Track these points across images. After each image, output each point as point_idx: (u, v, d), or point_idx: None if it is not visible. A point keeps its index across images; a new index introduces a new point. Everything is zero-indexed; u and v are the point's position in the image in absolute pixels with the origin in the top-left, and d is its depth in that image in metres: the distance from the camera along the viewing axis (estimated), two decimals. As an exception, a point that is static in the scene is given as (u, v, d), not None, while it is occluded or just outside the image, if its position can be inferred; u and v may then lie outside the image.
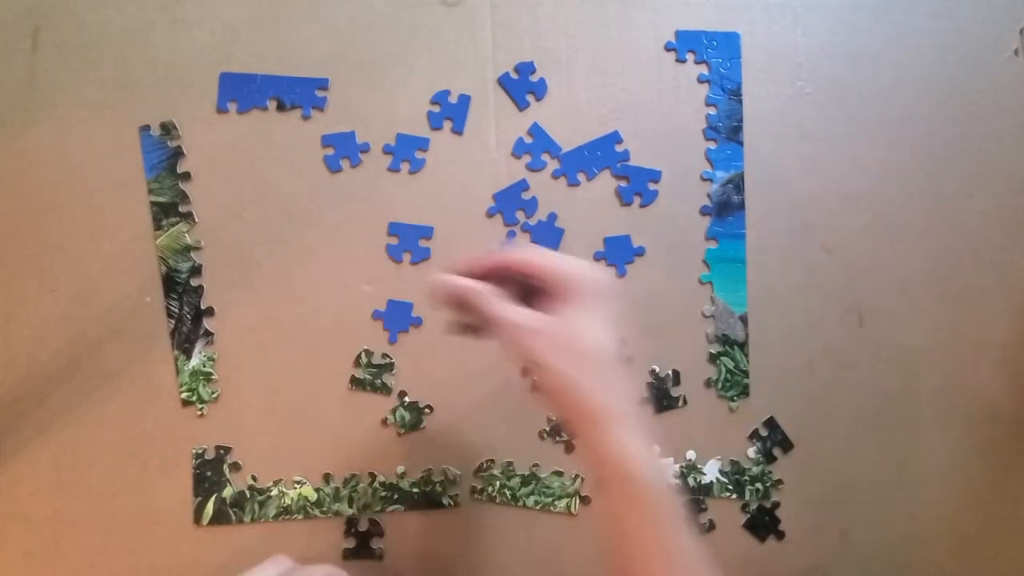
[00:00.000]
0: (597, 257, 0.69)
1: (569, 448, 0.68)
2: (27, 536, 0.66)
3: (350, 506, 0.67)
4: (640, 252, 0.69)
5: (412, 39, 0.71)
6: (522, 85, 0.70)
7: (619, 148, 0.70)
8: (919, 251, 0.70)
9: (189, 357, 0.67)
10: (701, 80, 0.70)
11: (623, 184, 0.70)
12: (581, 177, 0.70)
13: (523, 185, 0.70)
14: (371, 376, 0.68)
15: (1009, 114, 0.71)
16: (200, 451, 0.67)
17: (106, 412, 0.67)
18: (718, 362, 0.68)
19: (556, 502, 0.67)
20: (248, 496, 0.67)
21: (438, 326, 0.68)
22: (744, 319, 0.68)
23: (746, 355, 0.68)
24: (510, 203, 0.69)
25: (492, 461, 0.68)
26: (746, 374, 0.68)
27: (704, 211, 0.69)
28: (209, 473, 0.67)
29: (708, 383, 0.68)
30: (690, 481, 0.67)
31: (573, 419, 0.48)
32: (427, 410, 0.68)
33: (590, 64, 0.71)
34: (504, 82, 0.70)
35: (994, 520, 0.68)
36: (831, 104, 0.71)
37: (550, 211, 0.69)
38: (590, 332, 0.48)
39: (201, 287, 0.68)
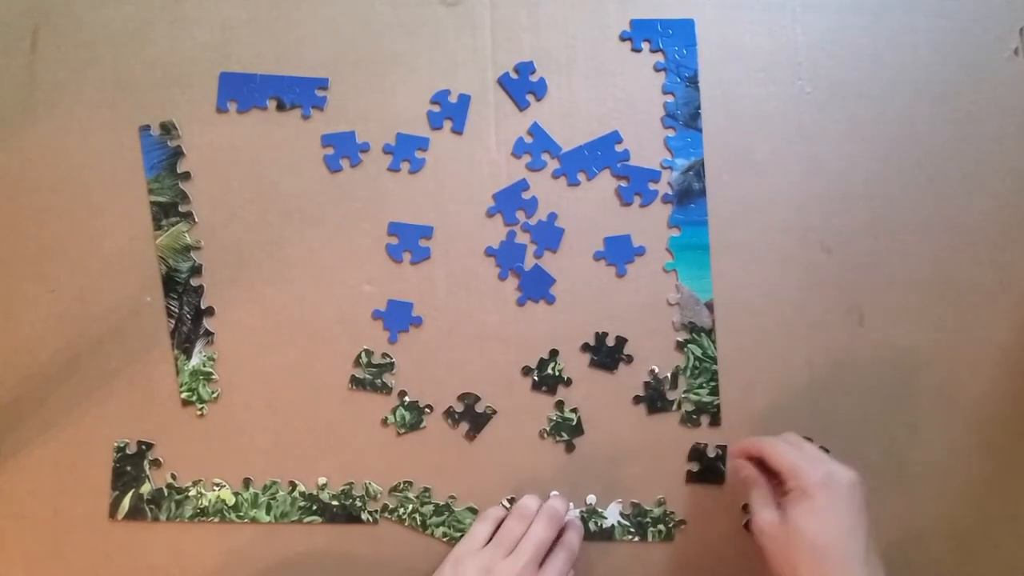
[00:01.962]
0: (597, 257, 0.69)
1: (569, 448, 0.68)
2: (27, 536, 0.66)
3: (267, 513, 0.66)
4: (640, 252, 0.69)
5: (412, 39, 0.71)
6: (522, 85, 0.70)
7: (619, 148, 0.70)
8: (919, 251, 0.70)
9: (189, 357, 0.67)
10: (657, 68, 0.71)
11: (623, 184, 0.70)
12: (581, 177, 0.70)
13: (523, 185, 0.70)
14: (371, 376, 0.68)
15: (1009, 114, 0.71)
16: (122, 445, 0.66)
17: (106, 412, 0.67)
18: (686, 350, 0.68)
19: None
20: (166, 494, 0.66)
21: (438, 326, 0.69)
22: (710, 305, 0.69)
23: (713, 342, 0.68)
24: (510, 203, 0.69)
25: (410, 483, 0.67)
26: (714, 360, 0.68)
27: (665, 199, 0.70)
28: (128, 468, 0.66)
29: (677, 371, 0.68)
30: (591, 526, 0.66)
31: None
32: (427, 410, 0.68)
33: (590, 64, 0.71)
34: (504, 82, 0.70)
35: (994, 520, 0.68)
36: (831, 104, 0.71)
37: (550, 211, 0.69)
38: (811, 533, 0.53)
39: (201, 287, 0.68)
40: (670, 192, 0.69)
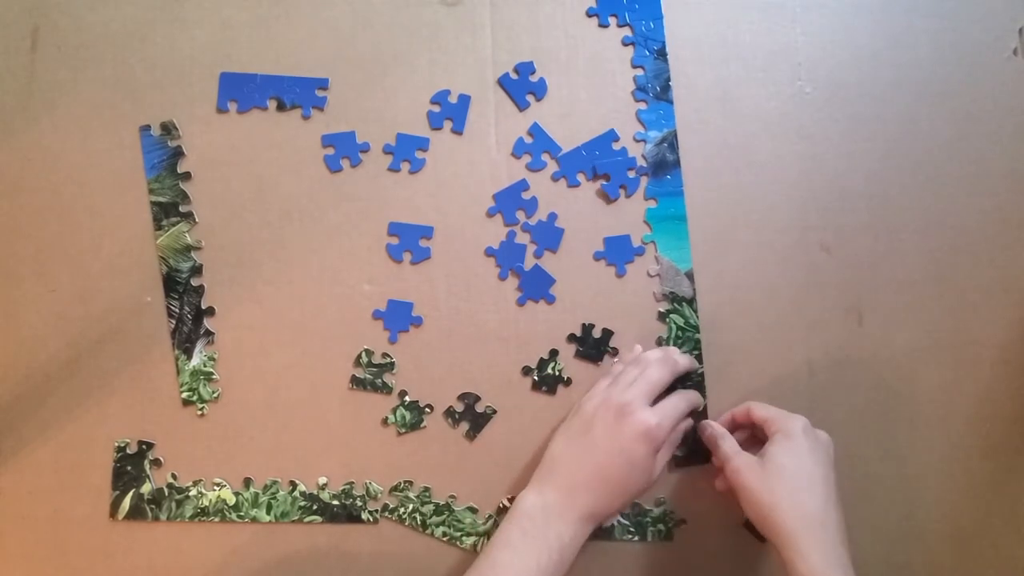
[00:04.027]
0: (597, 257, 0.69)
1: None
2: (27, 536, 0.66)
3: (268, 513, 0.66)
4: (640, 252, 0.69)
5: (412, 39, 0.71)
6: (522, 85, 0.70)
7: (616, 146, 0.70)
8: (919, 250, 0.70)
9: (190, 357, 0.67)
10: (626, 43, 0.71)
11: (604, 182, 0.69)
12: (581, 178, 0.70)
13: (523, 185, 0.70)
14: (371, 376, 0.68)
15: (1009, 114, 0.71)
16: (122, 444, 0.67)
17: (106, 412, 0.67)
18: (668, 320, 0.68)
19: (464, 538, 0.66)
20: (167, 494, 0.66)
21: (438, 326, 0.69)
22: (690, 275, 0.69)
23: (695, 311, 0.68)
24: (510, 203, 0.69)
25: (410, 483, 0.67)
26: (697, 329, 0.68)
27: (640, 172, 0.70)
28: (129, 468, 0.66)
29: (659, 341, 0.68)
30: None
31: (770, 537, 0.57)
32: (427, 409, 0.68)
33: (590, 64, 0.71)
34: (504, 82, 0.70)
35: (994, 519, 0.68)
36: (831, 104, 0.71)
37: (550, 211, 0.69)
38: (793, 467, 0.58)
39: (202, 287, 0.68)
40: (644, 164, 0.70)
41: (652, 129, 0.70)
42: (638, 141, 0.70)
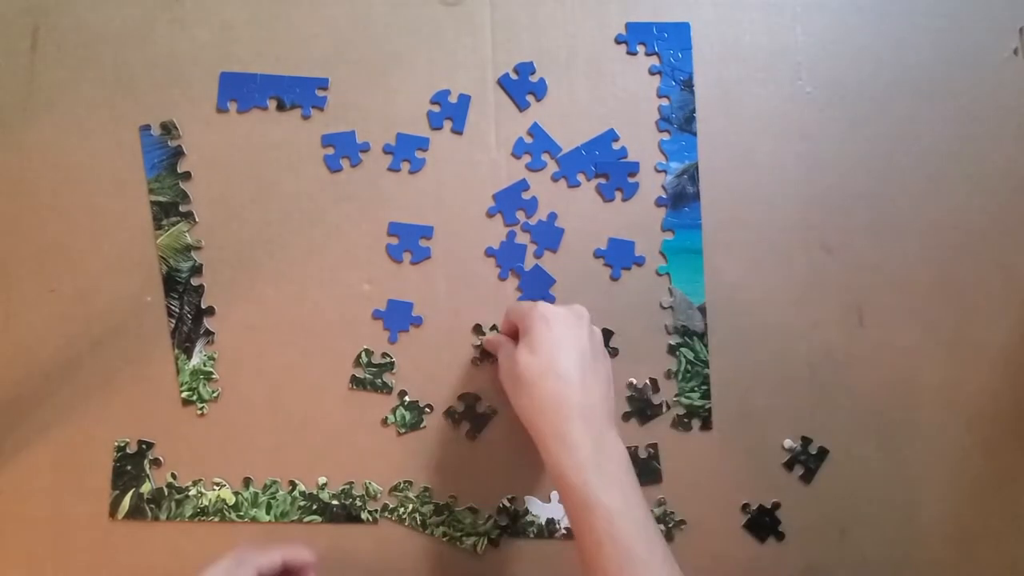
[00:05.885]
0: (598, 255, 0.69)
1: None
2: (27, 536, 0.66)
3: (267, 513, 0.66)
4: (640, 261, 0.69)
5: (412, 39, 0.71)
6: (522, 85, 0.70)
7: (616, 146, 0.70)
8: (919, 251, 0.70)
9: (190, 356, 0.67)
10: (652, 72, 0.71)
11: (603, 181, 0.69)
12: (581, 178, 0.70)
13: (523, 185, 0.70)
14: (371, 375, 0.68)
15: (1009, 114, 0.71)
16: (122, 444, 0.67)
17: (106, 412, 0.67)
18: (678, 353, 0.68)
19: (464, 538, 0.66)
20: (166, 494, 0.66)
21: (438, 325, 0.69)
22: (702, 309, 0.69)
23: (706, 346, 0.68)
24: (510, 203, 0.69)
25: (410, 483, 0.67)
26: (706, 364, 0.68)
27: (659, 203, 0.69)
28: (129, 467, 0.66)
29: (668, 375, 0.68)
30: None
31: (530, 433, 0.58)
32: (427, 409, 0.68)
33: (590, 64, 0.71)
34: (504, 82, 0.70)
35: (994, 520, 0.68)
36: (831, 104, 0.71)
37: (550, 211, 0.69)
38: (523, 358, 0.58)
39: (202, 286, 0.68)
40: (664, 196, 0.69)
41: (673, 160, 0.70)
42: (659, 171, 0.70)
